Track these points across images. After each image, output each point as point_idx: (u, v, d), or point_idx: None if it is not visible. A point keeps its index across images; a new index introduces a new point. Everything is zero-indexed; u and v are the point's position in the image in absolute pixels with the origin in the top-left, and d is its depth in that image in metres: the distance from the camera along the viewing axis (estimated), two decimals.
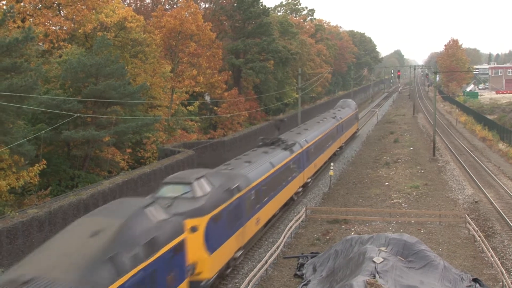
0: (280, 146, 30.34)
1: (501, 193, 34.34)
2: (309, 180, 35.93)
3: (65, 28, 37.72)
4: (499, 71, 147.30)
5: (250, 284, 19.34)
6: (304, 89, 62.34)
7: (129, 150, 37.42)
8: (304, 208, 30.08)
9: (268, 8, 68.24)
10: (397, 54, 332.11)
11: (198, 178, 18.53)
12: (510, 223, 27.17)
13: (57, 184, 31.03)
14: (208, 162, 36.33)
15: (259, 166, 24.92)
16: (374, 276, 16.68)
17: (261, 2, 63.21)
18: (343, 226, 28.37)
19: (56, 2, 38.17)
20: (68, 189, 29.82)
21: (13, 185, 24.96)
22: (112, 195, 25.84)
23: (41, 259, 11.45)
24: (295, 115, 58.92)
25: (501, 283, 19.85)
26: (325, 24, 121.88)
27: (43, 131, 26.65)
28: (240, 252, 21.31)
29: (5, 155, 24.67)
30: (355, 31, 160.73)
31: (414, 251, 19.19)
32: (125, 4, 51.31)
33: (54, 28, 37.41)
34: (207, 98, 56.38)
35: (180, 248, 14.78)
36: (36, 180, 26.73)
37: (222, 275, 20.10)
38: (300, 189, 33.47)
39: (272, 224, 28.25)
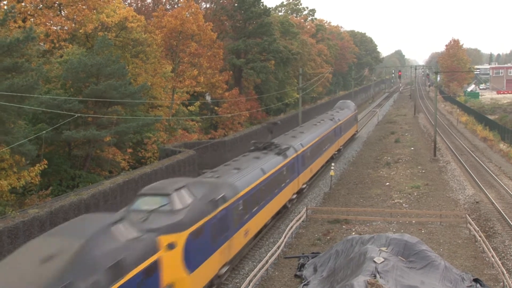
0: (273, 150, 28.88)
1: (502, 193, 34.32)
2: (304, 186, 34.36)
3: (66, 28, 37.77)
4: (500, 71, 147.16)
5: (251, 284, 19.34)
6: (305, 89, 62.34)
7: (130, 150, 37.45)
8: (305, 208, 30.08)
9: (269, 8, 68.23)
10: (398, 54, 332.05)
11: (177, 189, 16.94)
12: (511, 223, 27.15)
13: (58, 184, 31.05)
14: (209, 162, 36.40)
15: (248, 173, 23.42)
16: (375, 276, 16.68)
17: (262, 2, 63.23)
18: (344, 226, 28.37)
19: (57, 2, 38.20)
20: (69, 189, 29.84)
21: (14, 185, 24.97)
22: (113, 195, 25.87)
23: None
24: (295, 115, 58.91)
25: (502, 283, 19.83)
26: (326, 24, 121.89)
27: (44, 131, 26.64)
28: (225, 268, 19.84)
29: (6, 155, 24.68)
30: (356, 31, 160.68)
31: (415, 251, 19.18)
32: (126, 4, 51.31)
33: (55, 28, 37.45)
34: (208, 98, 56.39)
35: (152, 270, 13.53)
36: (37, 180, 26.74)
37: None
38: (295, 196, 31.94)
39: (273, 224, 28.23)
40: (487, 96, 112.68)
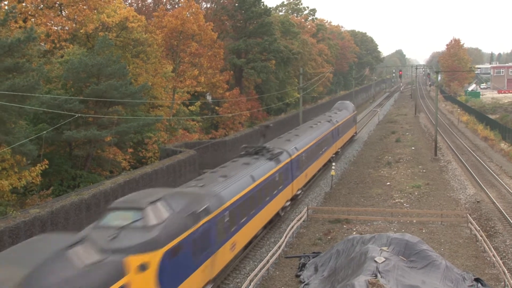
0: (264, 155, 27.23)
1: (503, 192, 34.31)
2: (299, 192, 32.60)
3: (66, 28, 37.79)
4: (501, 70, 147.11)
5: (252, 283, 19.34)
6: (305, 89, 62.35)
7: (130, 150, 37.46)
8: (306, 208, 30.08)
9: (270, 8, 68.27)
10: (399, 54, 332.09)
11: (152, 202, 15.31)
12: None
13: (59, 184, 31.07)
14: (210, 162, 36.42)
15: (236, 181, 21.83)
16: (376, 276, 16.67)
17: (263, 2, 63.25)
18: (344, 226, 28.37)
19: (58, 2, 38.22)
20: (70, 189, 29.85)
21: (15, 185, 24.98)
22: (114, 195, 25.86)
23: None
24: (296, 115, 58.89)
25: (503, 283, 19.83)
26: (326, 23, 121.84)
27: (45, 131, 26.65)
28: (209, 287, 18.21)
29: (7, 155, 24.70)
30: (356, 30, 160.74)
31: (416, 251, 19.17)
32: (126, 4, 51.33)
33: (56, 28, 37.47)
34: (209, 98, 56.39)
35: None
36: (38, 180, 26.75)
37: None
38: (288, 203, 30.17)
39: (273, 225, 28.21)
40: (488, 95, 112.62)
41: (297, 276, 21.46)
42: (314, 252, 23.73)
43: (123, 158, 35.66)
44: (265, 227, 26.30)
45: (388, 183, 38.42)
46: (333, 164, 38.87)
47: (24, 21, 34.92)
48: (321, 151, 39.42)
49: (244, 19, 62.67)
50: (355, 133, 61.95)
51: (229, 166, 25.00)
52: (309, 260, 22.45)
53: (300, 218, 28.26)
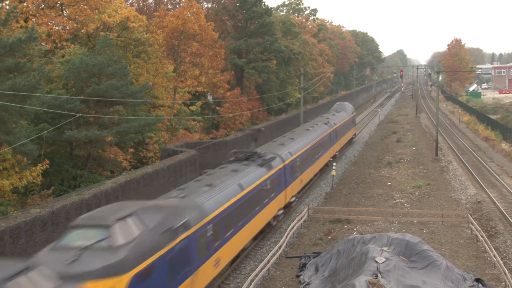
0: (255, 161, 25.53)
1: (504, 193, 34.28)
2: (293, 199, 30.94)
3: (67, 28, 37.83)
4: (502, 70, 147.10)
5: (252, 284, 19.34)
6: (306, 89, 62.27)
7: (131, 150, 37.47)
8: (307, 208, 30.08)
9: (271, 8, 68.27)
10: (400, 54, 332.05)
11: (121, 218, 13.73)
12: None
13: (60, 184, 31.09)
14: (211, 162, 36.38)
15: (222, 190, 20.22)
16: (377, 276, 16.67)
17: (264, 2, 63.26)
18: (345, 226, 28.36)
19: (59, 2, 38.26)
20: (71, 189, 29.86)
21: (16, 185, 24.99)
22: (115, 195, 25.89)
23: None
24: (297, 115, 58.87)
25: (503, 283, 19.81)
26: (327, 23, 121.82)
27: (45, 131, 26.68)
28: None
29: (8, 154, 24.72)
30: (357, 30, 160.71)
31: (416, 251, 19.17)
32: (127, 4, 51.38)
33: (57, 28, 37.52)
34: (210, 98, 56.41)
35: None
36: (38, 180, 26.77)
37: None
38: (281, 212, 28.51)
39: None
40: (489, 95, 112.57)
41: (298, 276, 21.46)
42: (314, 252, 23.72)
43: (124, 158, 35.68)
44: (255, 238, 24.78)
45: (389, 183, 38.40)
46: (334, 164, 38.84)
47: (25, 21, 34.96)
48: (317, 155, 38.00)
49: (245, 19, 62.68)
50: (354, 135, 60.65)
51: (216, 173, 23.30)
52: (309, 260, 22.45)
53: (301, 218, 28.26)
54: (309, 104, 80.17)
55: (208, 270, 17.90)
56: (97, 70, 31.55)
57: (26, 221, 19.91)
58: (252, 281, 19.52)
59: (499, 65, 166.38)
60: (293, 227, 26.37)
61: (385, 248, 18.99)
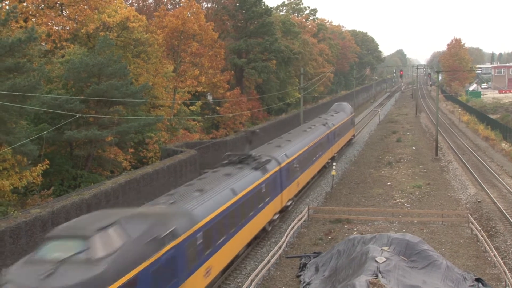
0: (249, 165, 24.65)
1: (504, 192, 34.29)
2: (290, 202, 30.07)
3: (67, 28, 37.82)
4: (502, 70, 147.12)
5: (253, 283, 19.35)
6: (306, 88, 62.31)
7: (131, 150, 37.47)
8: (307, 208, 30.08)
9: (271, 7, 68.28)
10: (400, 54, 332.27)
11: (102, 228, 12.86)
12: None
13: (60, 184, 31.09)
14: (211, 162, 36.38)
15: (214, 196, 19.38)
16: (377, 276, 16.67)
17: (263, 2, 63.27)
18: (345, 226, 28.37)
19: (59, 2, 38.26)
20: (71, 189, 29.87)
21: (16, 185, 25.00)
22: (115, 195, 25.91)
23: None
24: (297, 115, 58.88)
25: (504, 283, 19.82)
26: (327, 23, 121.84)
27: (45, 131, 26.67)
28: None
29: (8, 155, 24.72)
30: (357, 30, 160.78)
31: (416, 251, 19.18)
32: (127, 4, 51.36)
33: (57, 28, 37.51)
34: (210, 98, 56.41)
35: None
36: (39, 180, 26.77)
37: None
38: (277, 216, 27.65)
39: (275, 224, 28.17)
40: (489, 95, 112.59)
41: (298, 276, 21.46)
42: (315, 252, 23.73)
43: (124, 158, 35.69)
44: (249, 244, 23.86)
45: (389, 183, 38.41)
46: (334, 164, 38.83)
47: (25, 21, 34.95)
48: (315, 157, 37.18)
49: (245, 19, 62.69)
50: (353, 136, 59.86)
51: (208, 177, 22.39)
52: (310, 260, 22.46)
53: (301, 218, 28.26)
54: (309, 104, 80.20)
55: (199, 280, 17.10)
56: (97, 70, 31.55)
57: (26, 221, 19.92)
58: (252, 281, 19.53)
59: (499, 64, 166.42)
60: (293, 227, 26.38)
61: (385, 248, 19.00)
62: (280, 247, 23.63)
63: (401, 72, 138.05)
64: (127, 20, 39.34)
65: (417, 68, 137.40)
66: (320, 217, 29.93)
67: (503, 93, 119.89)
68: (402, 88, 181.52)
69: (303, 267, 22.06)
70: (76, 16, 37.90)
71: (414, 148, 53.88)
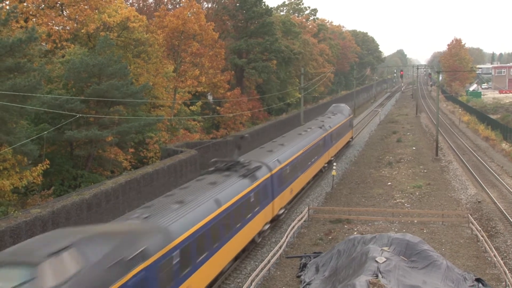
0: (238, 172, 22.95)
1: (504, 192, 34.28)
2: (282, 211, 28.29)
3: (68, 28, 37.84)
4: (502, 70, 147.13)
5: (253, 283, 19.35)
6: (306, 89, 62.30)
7: (131, 150, 37.48)
8: (307, 208, 30.08)
9: (271, 7, 68.32)
10: (400, 54, 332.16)
11: (54, 253, 11.06)
12: None
13: (60, 184, 31.11)
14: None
15: (195, 208, 17.62)
16: (377, 276, 16.68)
17: (264, 2, 63.32)
18: (345, 226, 28.37)
19: (59, 2, 38.28)
20: (71, 189, 29.89)
21: (17, 185, 25.02)
22: (115, 195, 25.92)
23: None
24: (297, 115, 58.88)
25: (504, 283, 19.82)
26: (327, 23, 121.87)
27: (46, 131, 26.71)
28: None
29: (8, 155, 24.73)
30: (357, 30, 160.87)
31: (417, 251, 19.18)
32: (127, 4, 51.38)
33: (57, 28, 37.54)
34: (210, 98, 56.41)
35: None
36: (39, 180, 26.79)
37: None
38: (267, 226, 25.90)
39: (274, 224, 28.16)
40: (489, 95, 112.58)
41: (298, 276, 21.47)
42: (315, 252, 23.73)
43: (124, 158, 35.70)
44: (236, 258, 22.24)
45: (389, 183, 38.40)
46: (334, 164, 38.81)
47: (26, 21, 34.97)
48: (310, 161, 35.43)
49: (245, 19, 62.72)
50: (351, 138, 58.16)
51: (190, 187, 20.66)
52: (310, 260, 22.46)
53: (301, 218, 28.27)
54: (310, 104, 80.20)
55: None
56: (97, 70, 31.56)
57: (26, 221, 19.94)
58: (252, 281, 19.53)
59: (499, 65, 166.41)
60: (293, 227, 26.38)
61: (385, 248, 19.01)
62: (280, 247, 23.63)
63: (401, 72, 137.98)
64: (127, 20, 39.35)
65: (418, 68, 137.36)
66: (320, 217, 29.93)
67: (503, 93, 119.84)
68: (402, 88, 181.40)
69: (303, 267, 22.06)
70: (77, 16, 37.92)
71: (414, 148, 53.86)
